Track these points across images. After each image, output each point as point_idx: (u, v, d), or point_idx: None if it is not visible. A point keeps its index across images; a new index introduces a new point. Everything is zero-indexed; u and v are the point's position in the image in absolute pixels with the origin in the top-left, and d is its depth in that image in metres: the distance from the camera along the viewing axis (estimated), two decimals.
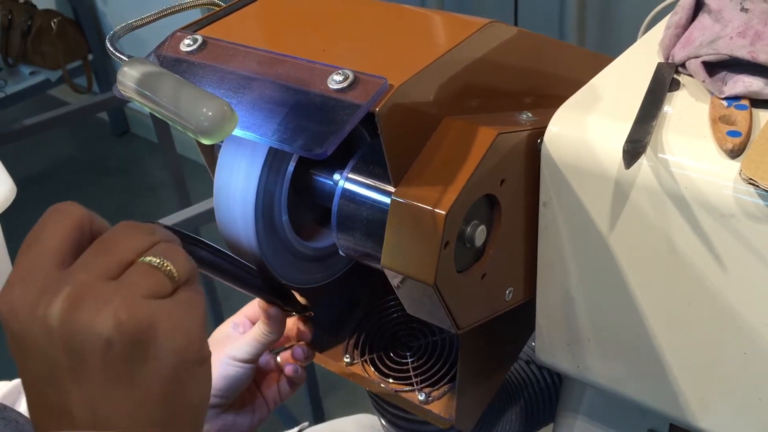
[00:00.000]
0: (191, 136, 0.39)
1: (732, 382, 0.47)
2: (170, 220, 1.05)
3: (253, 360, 0.60)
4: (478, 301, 0.49)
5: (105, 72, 2.56)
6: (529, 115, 0.51)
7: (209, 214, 1.06)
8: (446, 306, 0.46)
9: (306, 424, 0.82)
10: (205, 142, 0.39)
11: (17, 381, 0.53)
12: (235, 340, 0.60)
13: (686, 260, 0.45)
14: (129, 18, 0.50)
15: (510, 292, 0.52)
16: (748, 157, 0.41)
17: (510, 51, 0.52)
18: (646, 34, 0.57)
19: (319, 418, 1.22)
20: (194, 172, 2.04)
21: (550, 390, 0.82)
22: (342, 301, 0.71)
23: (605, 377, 0.54)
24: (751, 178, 0.40)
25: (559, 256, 0.51)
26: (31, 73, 2.40)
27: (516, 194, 0.49)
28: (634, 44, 0.56)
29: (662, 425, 0.59)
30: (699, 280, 0.45)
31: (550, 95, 0.53)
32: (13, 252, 0.80)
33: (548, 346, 0.56)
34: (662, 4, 0.61)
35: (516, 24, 1.55)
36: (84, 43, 2.48)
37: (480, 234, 0.46)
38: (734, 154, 0.42)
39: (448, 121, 0.46)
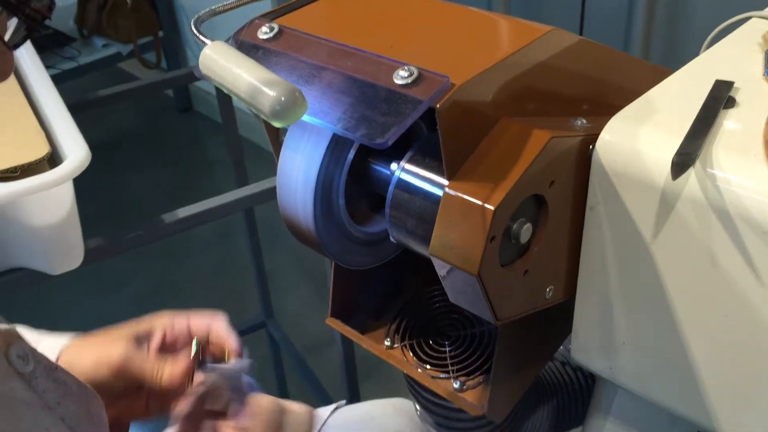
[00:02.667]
0: (264, 118, 0.43)
1: (763, 396, 0.49)
2: (228, 197, 1.08)
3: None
4: (518, 296, 0.51)
5: (173, 49, 2.63)
6: (584, 121, 0.52)
7: (265, 195, 1.10)
8: (488, 297, 0.48)
9: (343, 402, 0.85)
10: (277, 124, 0.42)
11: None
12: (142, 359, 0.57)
13: (726, 274, 0.46)
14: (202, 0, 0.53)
15: (551, 290, 0.54)
16: None
17: (570, 58, 0.54)
18: (708, 50, 0.58)
19: (354, 400, 1.25)
20: (252, 154, 2.10)
21: (583, 393, 0.83)
22: (387, 287, 0.74)
23: (637, 381, 0.56)
24: None
25: (602, 260, 0.53)
26: (104, 46, 2.49)
27: (564, 197, 0.51)
28: (695, 59, 0.57)
29: None
30: (737, 294, 0.46)
31: (608, 104, 0.55)
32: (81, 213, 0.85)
33: (584, 346, 0.58)
34: (726, 22, 0.62)
35: (581, 33, 1.55)
36: (156, 19, 2.56)
37: (526, 232, 0.48)
38: None
39: (505, 122, 0.48)
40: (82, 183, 0.79)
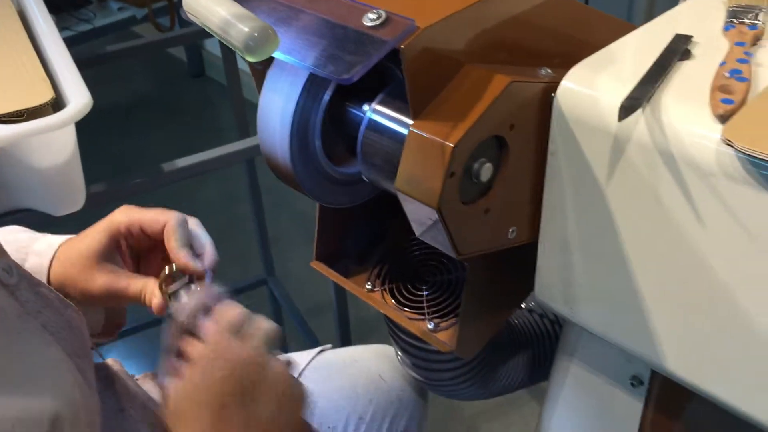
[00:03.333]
0: (238, 53, 0.46)
1: (704, 330, 0.52)
2: (231, 148, 1.12)
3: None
4: (479, 233, 0.55)
5: None
6: (549, 71, 0.55)
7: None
8: (448, 231, 0.51)
9: (329, 346, 0.89)
10: (250, 59, 0.45)
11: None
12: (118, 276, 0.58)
13: (670, 213, 0.49)
14: None
15: (513, 231, 0.58)
16: (732, 122, 0.45)
17: (545, 14, 0.57)
18: (675, 7, 0.61)
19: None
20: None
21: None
22: (370, 234, 0.78)
23: (594, 321, 0.59)
24: (728, 140, 0.44)
25: (561, 204, 0.56)
26: (119, 9, 2.52)
27: (525, 141, 0.54)
28: (661, 15, 0.59)
29: (644, 372, 0.64)
30: (680, 233, 0.49)
31: (578, 60, 0.57)
32: (87, 172, 0.88)
33: (546, 287, 0.61)
34: None
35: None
36: None
37: (486, 171, 0.51)
38: (724, 119, 0.46)
39: (468, 67, 0.51)
40: (95, 143, 0.83)
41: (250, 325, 0.51)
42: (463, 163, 0.50)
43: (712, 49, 0.53)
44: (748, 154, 0.43)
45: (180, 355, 0.52)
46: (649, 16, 1.49)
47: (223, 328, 0.50)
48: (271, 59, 0.60)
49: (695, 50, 0.53)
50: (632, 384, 0.66)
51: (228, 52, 1.42)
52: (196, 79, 2.89)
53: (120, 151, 2.34)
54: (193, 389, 0.49)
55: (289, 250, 1.91)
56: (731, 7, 0.57)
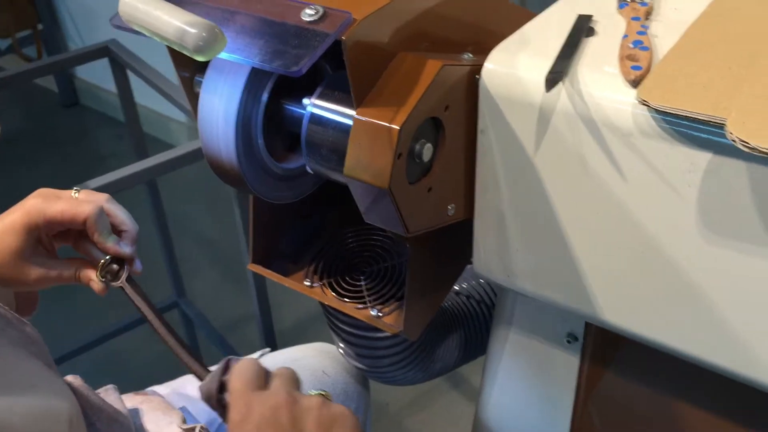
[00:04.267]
0: (187, 54, 0.47)
1: (631, 278, 0.57)
2: (130, 169, 1.11)
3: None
4: (424, 211, 0.58)
5: (54, 43, 2.56)
6: (470, 55, 0.59)
7: (165, 166, 1.13)
8: (398, 210, 0.54)
9: (267, 349, 0.90)
10: (200, 58, 0.47)
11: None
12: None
13: (594, 174, 0.55)
14: None
15: (452, 207, 0.61)
16: (644, 84, 0.51)
17: (458, 5, 0.61)
18: None
19: None
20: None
21: (487, 324, 0.91)
22: (304, 234, 0.80)
23: (532, 283, 0.64)
24: (644, 100, 0.49)
25: (494, 178, 0.61)
26: None
27: (458, 121, 0.58)
28: (558, 0, 0.65)
29: (578, 328, 0.69)
30: (605, 190, 0.55)
31: (490, 47, 0.62)
32: None
33: (484, 259, 0.66)
34: None
35: None
36: (34, 12, 2.47)
37: (427, 151, 0.55)
38: (635, 83, 0.52)
39: (402, 54, 0.55)
40: None
41: (270, 374, 0.52)
42: (408, 144, 0.53)
43: (611, 25, 0.59)
44: (663, 111, 0.49)
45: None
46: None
47: (245, 385, 0.50)
48: (199, 65, 0.61)
49: (597, 27, 0.59)
50: (568, 341, 0.71)
51: (119, 74, 1.39)
52: (70, 109, 2.78)
53: (2, 189, 2.21)
54: None
55: (195, 273, 1.88)
56: None
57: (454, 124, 0.57)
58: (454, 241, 0.68)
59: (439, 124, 0.56)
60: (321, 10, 0.50)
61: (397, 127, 0.51)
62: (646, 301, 0.58)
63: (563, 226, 0.59)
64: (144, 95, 1.58)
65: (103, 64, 1.41)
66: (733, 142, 0.44)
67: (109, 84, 2.53)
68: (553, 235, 0.60)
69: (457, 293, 0.96)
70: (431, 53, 0.56)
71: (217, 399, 0.53)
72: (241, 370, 0.51)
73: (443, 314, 0.91)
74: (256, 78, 0.56)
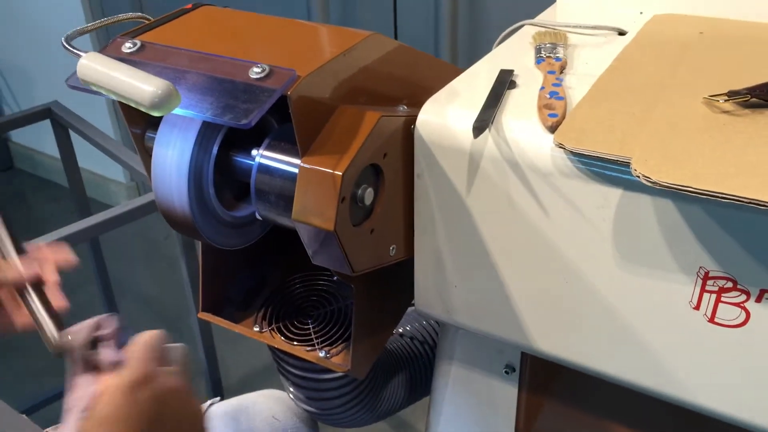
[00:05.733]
0: (143, 110, 0.51)
1: (558, 307, 0.62)
2: (72, 228, 1.12)
3: None
4: (368, 251, 0.62)
5: None
6: (406, 107, 0.65)
7: (110, 223, 1.15)
8: (344, 251, 0.58)
9: (217, 399, 0.91)
10: (155, 114, 0.50)
11: None
12: None
13: (521, 212, 0.60)
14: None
15: (394, 248, 0.66)
16: (560, 130, 0.57)
17: (391, 62, 0.66)
18: (494, 49, 0.73)
19: None
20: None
21: (431, 364, 0.95)
22: (252, 281, 0.83)
23: (468, 317, 0.68)
24: (560, 143, 0.55)
25: (430, 219, 0.65)
26: None
27: (396, 167, 0.63)
28: (485, 56, 0.72)
29: (515, 358, 0.74)
30: (530, 227, 0.60)
31: (422, 99, 0.67)
32: None
33: (424, 296, 0.70)
34: (508, 29, 0.78)
35: (396, 37, 1.73)
36: None
37: (368, 195, 0.59)
38: (552, 129, 0.58)
39: (343, 107, 0.60)
40: None
41: (168, 350, 0.54)
42: (350, 189, 0.57)
43: (530, 78, 0.66)
44: (577, 153, 0.54)
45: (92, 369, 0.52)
46: (453, 43, 1.69)
47: (145, 354, 0.52)
48: (149, 121, 0.65)
49: (518, 81, 0.66)
50: (506, 372, 0.75)
51: (62, 136, 1.40)
52: (4, 173, 2.74)
53: None
54: (114, 410, 0.49)
55: (138, 330, 1.86)
56: (537, 45, 0.70)
57: (392, 170, 0.62)
58: (397, 281, 0.73)
59: (379, 170, 0.61)
60: (267, 68, 0.55)
61: (340, 174, 0.55)
62: (572, 328, 0.63)
63: (495, 261, 0.64)
64: (84, 157, 1.59)
65: (40, 126, 1.42)
66: (638, 178, 0.50)
67: (45, 146, 2.52)
68: (487, 270, 0.64)
69: (401, 335, 1.00)
70: (370, 106, 0.62)
71: (83, 355, 0.53)
72: (142, 336, 0.54)
73: (389, 356, 0.95)
74: (206, 132, 0.60)
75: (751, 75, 0.58)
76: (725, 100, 0.55)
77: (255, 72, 0.55)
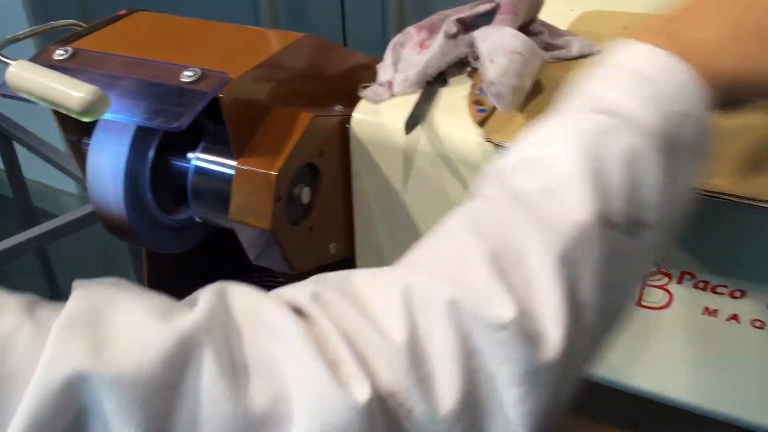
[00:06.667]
0: (74, 116, 0.51)
1: None
2: (18, 238, 1.11)
3: None
4: (308, 250, 0.63)
5: None
6: (341, 107, 0.66)
7: (54, 233, 1.14)
8: (283, 250, 0.59)
9: None
10: (86, 119, 0.51)
11: None
12: None
13: (455, 205, 0.61)
14: None
15: (334, 246, 0.67)
16: (489, 125, 0.58)
17: (324, 63, 0.67)
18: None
19: None
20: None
21: None
22: (198, 287, 0.83)
23: None
24: (488, 138, 0.57)
25: (369, 216, 0.67)
26: None
27: (333, 165, 0.64)
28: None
29: None
30: None
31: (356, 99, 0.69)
32: None
33: None
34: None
35: (345, 40, 1.74)
36: None
37: (305, 194, 0.60)
38: (482, 124, 0.59)
39: (277, 110, 0.60)
40: None
41: None
42: (286, 188, 0.58)
43: (462, 77, 0.67)
44: (504, 146, 0.56)
45: None
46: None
47: None
48: (85, 128, 0.65)
49: (450, 78, 0.67)
50: None
51: (6, 147, 1.38)
52: None
53: None
54: None
55: None
56: None
57: (329, 169, 0.63)
58: None
59: (316, 169, 0.62)
60: (199, 72, 0.55)
61: (275, 173, 0.56)
62: None
63: None
64: (33, 169, 1.57)
65: None
66: None
67: None
68: None
69: None
70: (305, 107, 0.63)
71: None
72: None
73: None
74: (141, 136, 0.60)
75: None
76: None
77: (186, 75, 0.55)
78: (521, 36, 0.58)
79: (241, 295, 0.36)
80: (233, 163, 0.58)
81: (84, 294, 0.33)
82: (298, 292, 0.38)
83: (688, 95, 0.40)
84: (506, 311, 0.34)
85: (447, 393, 0.33)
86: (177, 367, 0.30)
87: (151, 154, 0.62)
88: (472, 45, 0.63)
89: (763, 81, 0.41)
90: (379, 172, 0.64)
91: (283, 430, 0.30)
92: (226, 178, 0.60)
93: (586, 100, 0.42)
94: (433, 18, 0.70)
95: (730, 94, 0.42)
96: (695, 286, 0.55)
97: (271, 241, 0.58)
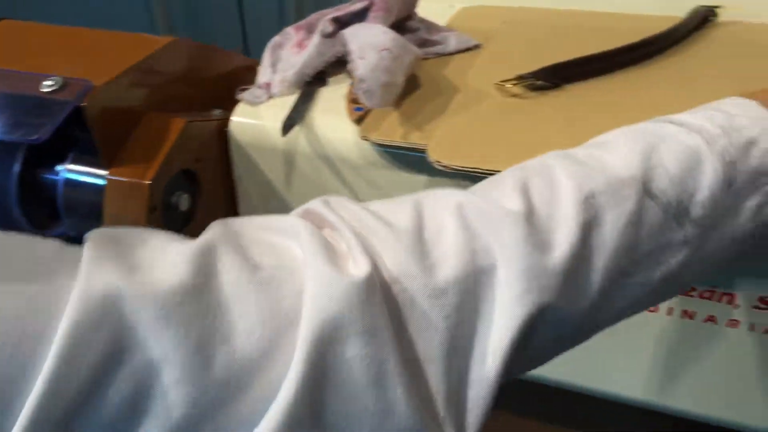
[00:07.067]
0: None
1: None
2: None
3: None
4: None
5: None
6: (220, 111, 0.65)
7: None
8: None
9: None
10: None
11: None
12: None
13: None
14: None
15: None
16: (365, 123, 0.58)
17: (200, 67, 0.66)
18: None
19: None
20: None
21: None
22: None
23: None
24: (365, 136, 0.57)
25: None
26: None
27: (214, 171, 0.62)
28: None
29: None
30: None
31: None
32: None
33: None
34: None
35: (245, 42, 1.72)
36: None
37: (184, 202, 0.59)
38: (359, 122, 0.59)
39: (149, 116, 0.59)
40: None
41: None
42: (161, 197, 0.57)
43: (339, 75, 0.67)
44: (381, 144, 0.56)
45: None
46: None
47: None
48: None
49: (330, 78, 0.67)
50: None
51: None
52: None
53: None
54: None
55: None
56: None
57: (209, 174, 0.62)
58: None
59: (194, 175, 0.60)
60: (60, 80, 0.53)
61: (147, 183, 0.55)
62: None
63: None
64: None
65: None
66: (432, 163, 0.52)
67: None
68: None
69: None
70: (180, 113, 0.61)
71: None
72: None
73: None
74: (5, 151, 0.57)
75: (543, 60, 0.62)
76: (513, 84, 0.59)
77: (47, 85, 0.53)
78: (391, 33, 0.58)
79: (246, 218, 0.37)
80: (104, 173, 0.56)
81: (102, 231, 0.34)
82: (311, 203, 0.39)
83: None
84: (515, 205, 0.35)
85: (449, 271, 0.33)
86: (203, 270, 0.31)
87: (17, 168, 0.59)
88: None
89: None
90: (262, 175, 0.63)
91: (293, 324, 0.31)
92: (98, 190, 0.58)
93: (665, 120, 0.42)
94: (312, 17, 0.69)
95: None
96: None
97: None
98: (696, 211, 0.38)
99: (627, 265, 0.37)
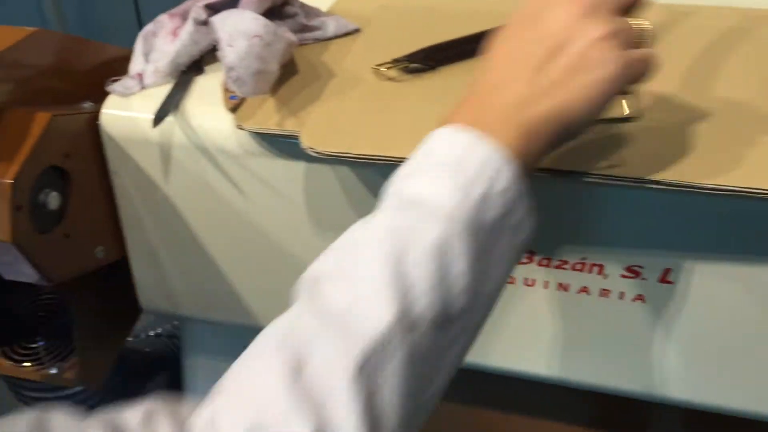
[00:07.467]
0: None
1: (271, 281, 0.64)
2: None
3: None
4: (66, 258, 0.59)
5: None
6: (92, 104, 0.62)
7: None
8: (33, 262, 0.55)
9: None
10: None
11: None
12: None
13: (219, 194, 0.60)
14: None
15: (101, 249, 0.63)
16: (240, 111, 0.57)
17: (67, 58, 0.63)
18: None
19: None
20: None
21: None
22: None
23: (195, 308, 0.68)
24: (240, 125, 0.56)
25: (136, 215, 0.64)
26: None
27: (86, 166, 0.60)
28: None
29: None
30: (231, 208, 0.61)
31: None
32: None
33: (147, 294, 0.68)
34: None
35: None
36: None
37: (53, 199, 0.57)
38: (234, 110, 0.58)
39: (11, 111, 0.56)
40: None
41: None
42: (27, 196, 0.54)
43: (217, 63, 0.66)
44: (256, 132, 0.56)
45: None
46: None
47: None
48: None
49: (207, 66, 0.65)
50: None
51: None
52: None
53: None
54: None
55: None
56: None
57: (81, 170, 0.60)
58: (120, 282, 0.70)
59: (64, 171, 0.58)
60: None
61: (10, 181, 0.52)
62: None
63: (206, 247, 0.64)
64: None
65: None
66: (305, 150, 0.52)
67: None
68: (201, 257, 0.64)
69: (158, 335, 0.97)
70: (45, 107, 0.58)
71: None
72: None
73: (144, 359, 0.92)
74: None
75: (420, 43, 0.63)
76: (389, 68, 0.59)
77: None
78: (261, 19, 0.57)
79: None
80: None
81: None
82: (133, 412, 0.40)
83: (490, 172, 0.39)
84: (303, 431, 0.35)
85: None
86: None
87: None
88: None
89: (567, 115, 0.41)
90: (138, 168, 0.61)
91: None
92: None
93: (394, 197, 0.41)
94: (187, 4, 0.67)
95: (554, 143, 0.42)
96: (539, 264, 0.57)
97: (16, 253, 0.54)
98: (459, 300, 0.38)
99: (417, 400, 0.38)
